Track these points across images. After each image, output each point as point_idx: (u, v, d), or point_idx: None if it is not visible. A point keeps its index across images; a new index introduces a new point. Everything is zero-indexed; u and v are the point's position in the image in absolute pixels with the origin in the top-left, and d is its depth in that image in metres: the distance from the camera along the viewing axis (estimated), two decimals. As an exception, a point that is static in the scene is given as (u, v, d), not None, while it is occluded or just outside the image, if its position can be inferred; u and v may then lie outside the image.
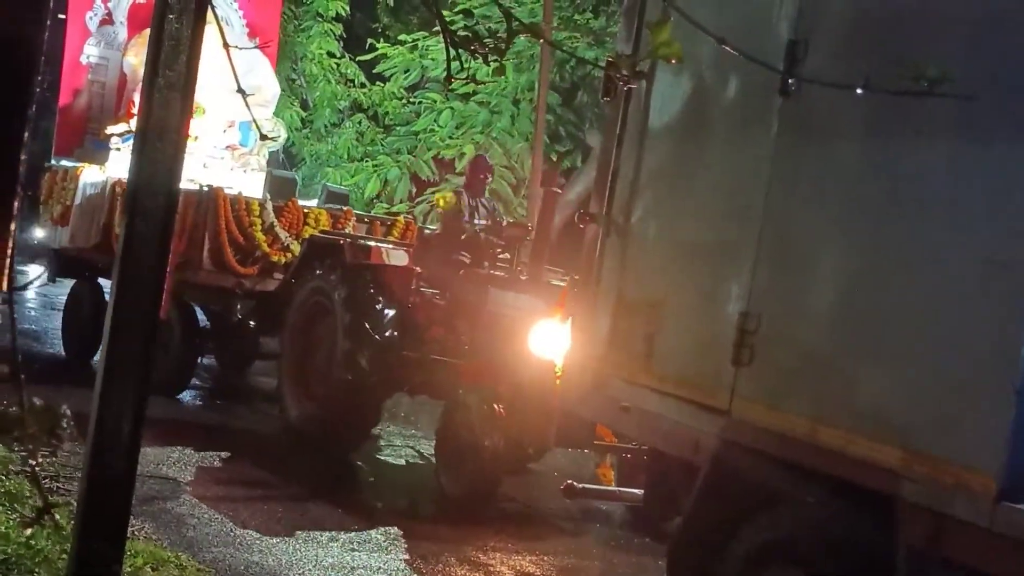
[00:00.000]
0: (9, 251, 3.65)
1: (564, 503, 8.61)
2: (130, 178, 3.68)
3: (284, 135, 14.98)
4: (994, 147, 3.98)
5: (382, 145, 18.80)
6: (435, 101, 18.18)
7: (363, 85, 19.29)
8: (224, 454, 9.20)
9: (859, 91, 3.48)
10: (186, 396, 11.35)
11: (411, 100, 18.86)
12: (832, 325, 4.53)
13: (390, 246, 9.88)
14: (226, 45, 4.04)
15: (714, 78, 5.38)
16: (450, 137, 17.75)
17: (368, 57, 18.85)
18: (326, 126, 19.41)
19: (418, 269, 9.65)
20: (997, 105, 3.93)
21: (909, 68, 3.23)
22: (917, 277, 4.18)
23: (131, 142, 13.47)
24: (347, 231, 10.94)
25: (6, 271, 3.81)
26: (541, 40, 15.28)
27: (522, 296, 8.72)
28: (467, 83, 13.46)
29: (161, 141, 3.77)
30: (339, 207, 11.74)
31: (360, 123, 19.22)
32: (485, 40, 3.30)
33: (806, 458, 4.46)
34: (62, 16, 12.82)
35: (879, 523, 4.13)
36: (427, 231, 11.46)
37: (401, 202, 17.57)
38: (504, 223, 10.20)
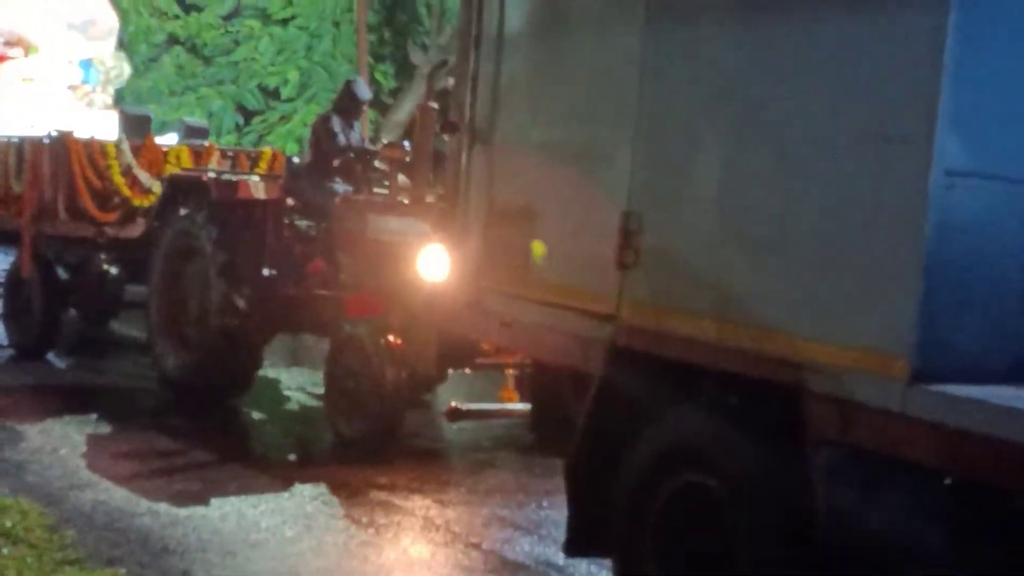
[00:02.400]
0: None
1: (472, 434, 8.34)
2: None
3: (129, 69, 14.31)
4: (885, 13, 3.75)
5: (203, 77, 18.32)
6: (253, 29, 17.89)
7: (177, 16, 18.60)
8: (90, 411, 8.64)
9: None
10: (50, 355, 10.79)
11: (229, 29, 18.40)
12: (720, 217, 4.33)
13: (257, 179, 9.34)
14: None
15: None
16: (272, 64, 17.59)
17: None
18: (144, 62, 18.62)
19: (290, 201, 9.17)
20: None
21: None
22: (807, 159, 3.98)
23: None
24: (211, 167, 10.30)
25: None
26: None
27: (404, 220, 8.26)
28: (284, 7, 12.88)
29: None
30: (200, 142, 11.09)
31: (178, 56, 18.61)
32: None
33: (701, 357, 4.32)
34: None
35: (783, 418, 3.98)
36: (295, 160, 10.88)
37: (228, 133, 17.17)
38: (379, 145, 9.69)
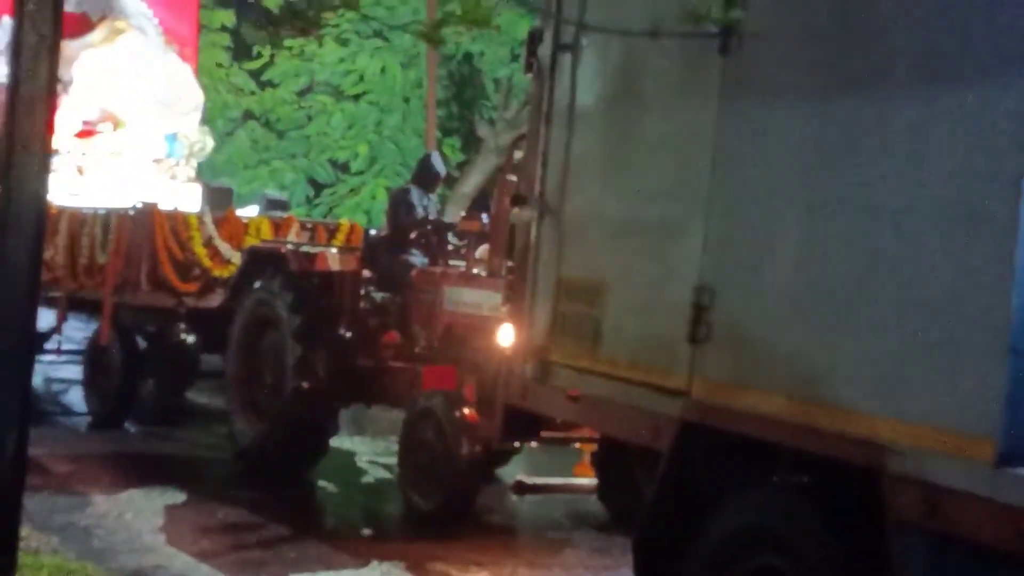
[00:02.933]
0: None
1: (546, 510, 8.20)
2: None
3: (212, 143, 14.42)
4: (965, 89, 3.67)
5: (277, 151, 18.71)
6: (326, 104, 18.20)
7: (253, 93, 19.09)
8: (162, 479, 8.56)
9: (808, 41, 3.20)
10: (126, 424, 10.77)
11: (302, 105, 18.77)
12: (796, 293, 4.22)
13: (335, 251, 9.41)
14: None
15: (645, 43, 4.99)
16: (343, 138, 17.84)
17: (257, 65, 18.71)
18: (220, 136, 19.08)
19: (367, 273, 9.16)
20: (963, 47, 3.67)
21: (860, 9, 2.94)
22: (888, 237, 3.86)
23: (50, 161, 12.92)
24: (290, 239, 10.42)
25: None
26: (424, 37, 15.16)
27: (481, 292, 8.18)
28: (356, 84, 13.07)
29: (27, 153, 3.49)
30: (280, 214, 11.19)
31: (253, 130, 19.04)
32: (298, 16, 3.01)
33: (776, 436, 4.20)
34: None
35: (862, 500, 3.84)
36: (373, 233, 10.86)
37: (299, 205, 17.49)
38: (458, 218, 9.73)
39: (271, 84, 18.83)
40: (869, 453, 3.77)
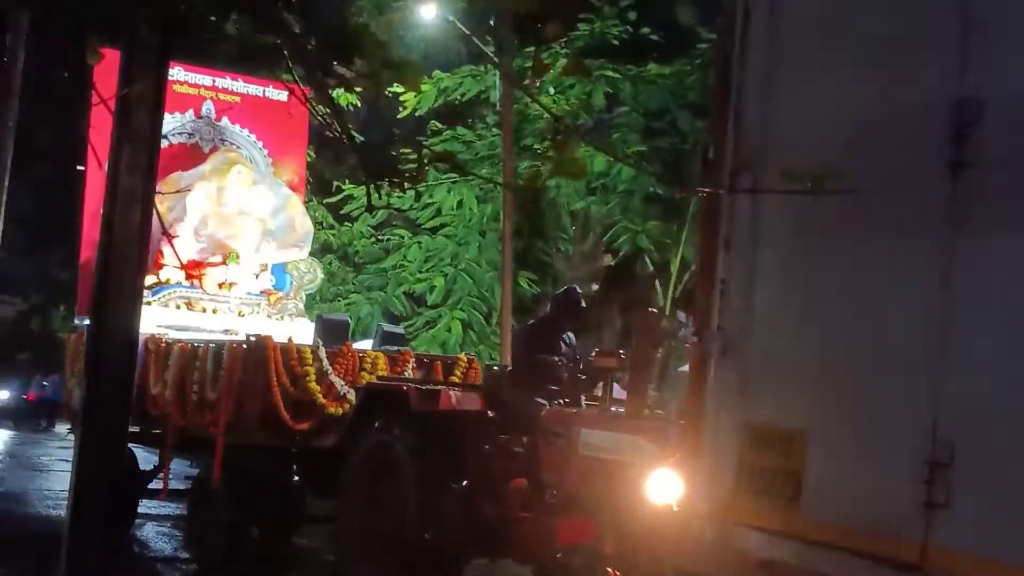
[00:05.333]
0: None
1: None
2: (89, 332, 3.65)
3: (321, 276, 14.35)
4: None
5: (353, 284, 18.95)
6: (403, 237, 18.42)
7: (331, 226, 19.47)
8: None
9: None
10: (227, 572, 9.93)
11: (379, 238, 19.06)
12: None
13: (458, 390, 8.71)
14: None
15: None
16: (419, 271, 17.97)
17: (335, 199, 19.02)
18: (298, 269, 19.53)
19: (491, 413, 8.40)
20: None
21: None
22: None
23: (162, 295, 12.15)
24: (406, 375, 9.97)
25: None
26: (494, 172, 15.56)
27: (622, 436, 7.29)
28: (433, 217, 12.85)
29: (118, 296, 3.77)
30: (396, 348, 10.65)
31: (331, 263, 19.25)
32: (403, 171, 3.35)
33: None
34: (81, 168, 12.46)
35: None
36: (495, 368, 10.17)
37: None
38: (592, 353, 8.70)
39: (349, 219, 19.16)
40: None
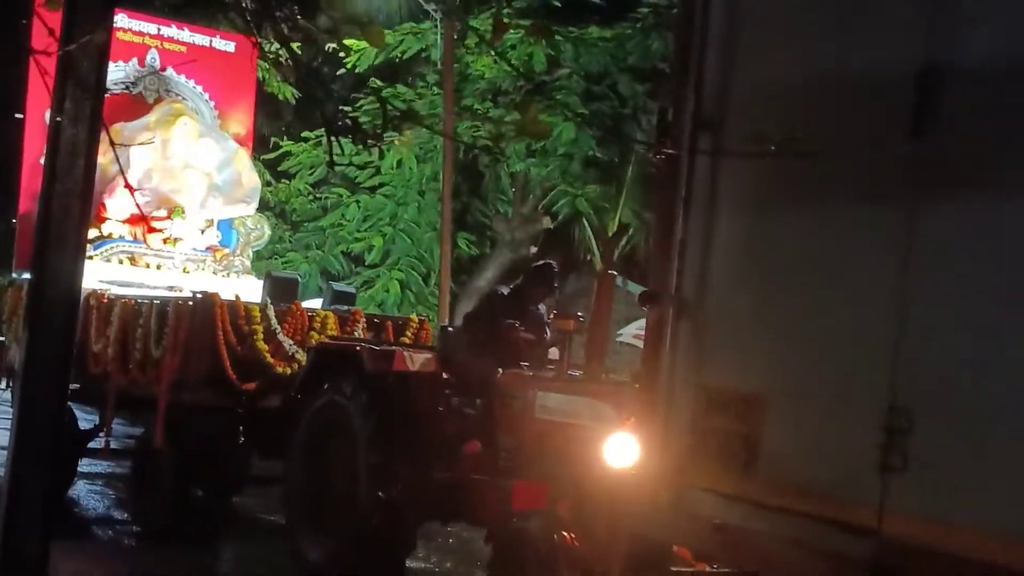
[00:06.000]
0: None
1: None
2: (29, 286, 3.53)
3: (269, 232, 14.02)
4: None
5: (290, 242, 18.86)
6: (341, 196, 18.43)
7: (268, 183, 19.32)
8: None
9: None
10: (175, 536, 9.57)
11: (317, 196, 18.98)
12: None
13: (412, 350, 8.48)
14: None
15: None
16: (358, 231, 18.04)
17: (273, 155, 18.90)
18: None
19: (445, 375, 8.23)
20: None
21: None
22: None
23: (104, 249, 11.81)
24: (357, 335, 9.74)
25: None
26: (439, 130, 15.48)
27: (578, 399, 7.26)
28: (372, 176, 12.57)
29: (60, 250, 3.65)
30: (346, 308, 10.39)
31: (268, 220, 19.17)
32: (364, 128, 3.27)
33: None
34: (19, 115, 12.01)
35: None
36: (451, 329, 9.81)
37: (312, 297, 17.57)
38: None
39: (287, 176, 19.07)
40: None
